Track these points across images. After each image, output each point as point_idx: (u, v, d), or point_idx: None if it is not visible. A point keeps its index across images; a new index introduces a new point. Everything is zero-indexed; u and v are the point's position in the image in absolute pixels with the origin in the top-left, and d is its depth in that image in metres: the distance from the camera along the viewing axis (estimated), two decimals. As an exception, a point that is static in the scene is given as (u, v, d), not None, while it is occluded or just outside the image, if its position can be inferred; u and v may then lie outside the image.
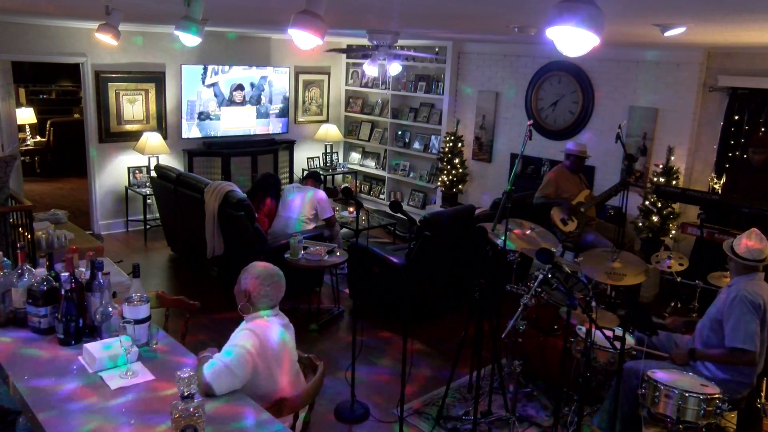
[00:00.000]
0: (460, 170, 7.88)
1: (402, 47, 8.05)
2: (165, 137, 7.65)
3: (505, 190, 3.78)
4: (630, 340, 3.66)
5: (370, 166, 9.36)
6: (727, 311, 3.27)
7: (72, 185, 10.14)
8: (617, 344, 2.98)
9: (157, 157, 7.46)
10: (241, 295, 2.66)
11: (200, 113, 7.88)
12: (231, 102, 8.11)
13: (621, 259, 3.82)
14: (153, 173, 6.88)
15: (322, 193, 6.03)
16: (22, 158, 9.41)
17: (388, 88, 8.74)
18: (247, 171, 8.09)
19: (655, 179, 5.97)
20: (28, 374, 2.45)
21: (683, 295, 5.26)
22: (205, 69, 7.80)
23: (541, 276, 3.59)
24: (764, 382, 3.68)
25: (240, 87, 8.14)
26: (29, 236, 5.20)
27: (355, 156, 9.62)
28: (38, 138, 11.13)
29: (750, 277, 3.33)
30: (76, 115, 11.62)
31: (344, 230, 6.83)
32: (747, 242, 3.36)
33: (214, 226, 5.66)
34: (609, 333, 3.06)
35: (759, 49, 5.41)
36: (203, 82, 7.80)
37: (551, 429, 3.81)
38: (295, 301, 5.28)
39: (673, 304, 5.49)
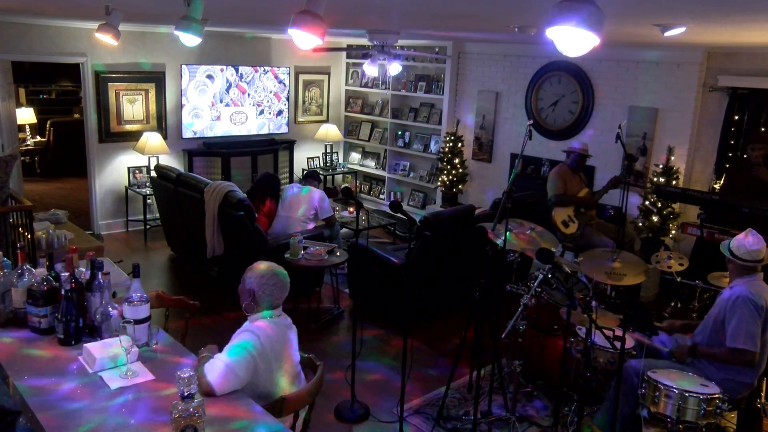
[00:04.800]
0: (460, 170, 7.88)
1: (402, 47, 8.05)
2: (165, 137, 7.65)
3: (505, 190, 3.78)
4: (630, 341, 3.66)
5: (370, 166, 9.36)
6: (729, 312, 3.27)
7: (72, 185, 10.14)
8: (617, 344, 2.98)
9: (157, 157, 7.46)
10: (245, 294, 2.66)
11: (198, 114, 7.89)
12: (230, 103, 8.12)
13: (621, 259, 3.82)
14: (153, 173, 6.88)
15: (321, 193, 6.03)
16: (22, 158, 9.41)
17: (388, 88, 8.74)
18: (247, 171, 8.09)
19: (655, 179, 5.97)
20: (28, 374, 2.45)
21: (683, 295, 5.26)
22: (188, 85, 7.81)
23: (541, 276, 3.59)
24: (764, 382, 3.68)
25: (238, 88, 8.14)
26: (29, 236, 5.20)
27: (355, 156, 9.62)
28: (38, 138, 11.13)
29: (750, 279, 3.34)
30: (76, 115, 11.62)
31: (344, 230, 6.83)
32: (745, 243, 3.35)
33: (214, 226, 5.66)
34: (609, 333, 3.06)
35: (759, 49, 5.41)
36: (195, 90, 7.81)
37: (551, 429, 3.81)
38: (295, 301, 5.29)
39: (673, 304, 5.49)
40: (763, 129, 5.56)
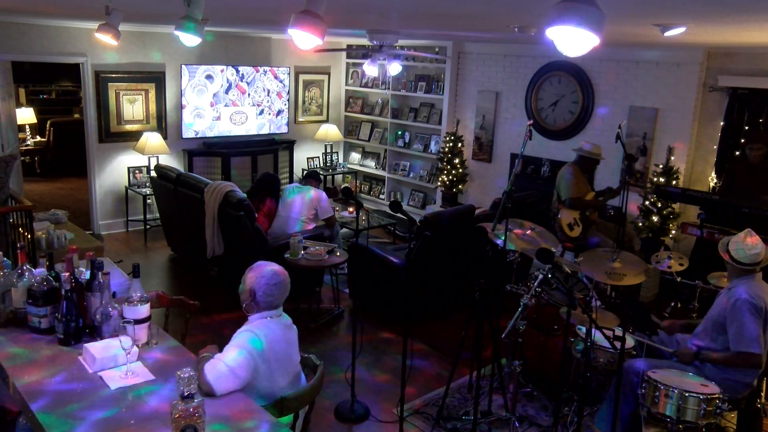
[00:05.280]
0: (460, 170, 7.88)
1: (402, 47, 8.05)
2: (165, 137, 7.65)
3: (505, 190, 3.78)
4: (630, 341, 3.66)
5: (370, 166, 9.36)
6: (730, 315, 3.26)
7: (72, 185, 10.14)
8: (617, 344, 2.98)
9: (157, 157, 7.46)
10: (245, 294, 2.66)
11: (200, 114, 7.89)
12: (230, 103, 8.12)
13: (621, 259, 3.82)
14: (153, 173, 6.88)
15: (322, 193, 6.03)
16: (22, 158, 9.41)
17: (388, 88, 8.74)
18: (247, 171, 8.09)
19: (655, 179, 5.97)
20: (28, 374, 2.45)
21: (683, 295, 5.26)
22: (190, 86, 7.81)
23: (541, 276, 3.59)
24: (764, 382, 3.68)
25: (237, 88, 8.15)
26: (29, 236, 5.20)
27: (355, 156, 9.62)
28: (38, 138, 11.13)
29: (749, 279, 3.33)
30: (76, 115, 11.62)
31: (344, 230, 6.83)
32: (743, 246, 3.33)
33: (214, 226, 5.66)
34: (609, 333, 3.06)
35: (759, 49, 5.41)
36: (193, 90, 7.82)
37: (551, 429, 3.81)
38: (296, 301, 5.29)
39: (673, 304, 5.48)
40: (762, 129, 5.56)
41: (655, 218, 5.99)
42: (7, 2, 4.49)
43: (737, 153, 5.71)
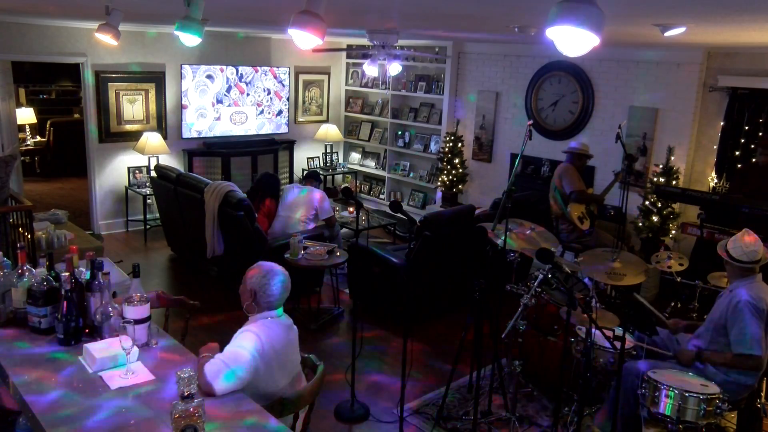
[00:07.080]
0: (460, 170, 7.88)
1: (402, 47, 8.05)
2: (165, 137, 7.65)
3: (505, 190, 3.78)
4: (630, 340, 3.66)
5: (370, 166, 9.36)
6: (731, 317, 3.25)
7: (72, 185, 10.14)
8: (617, 344, 2.98)
9: (157, 157, 7.46)
10: (246, 295, 2.66)
11: (203, 114, 7.89)
12: (231, 103, 8.12)
13: (621, 259, 3.82)
14: (153, 173, 6.88)
15: (321, 193, 6.03)
16: (22, 158, 9.41)
17: (388, 88, 8.74)
18: (247, 171, 8.09)
19: (655, 179, 5.97)
20: (28, 374, 2.45)
21: (683, 295, 5.26)
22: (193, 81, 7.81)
23: (541, 276, 3.59)
24: (764, 382, 3.68)
25: (237, 87, 8.15)
26: (29, 236, 5.20)
27: (355, 156, 9.62)
28: (38, 138, 11.13)
29: (749, 280, 3.32)
30: (76, 115, 11.62)
31: (344, 230, 6.83)
32: (741, 244, 3.33)
33: (214, 226, 5.66)
34: (609, 333, 3.06)
35: (759, 49, 5.41)
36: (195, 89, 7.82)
37: (551, 429, 3.81)
38: (296, 301, 5.29)
39: (673, 304, 5.48)
40: (763, 129, 5.55)
41: (655, 218, 5.99)
42: (7, 2, 4.49)
43: (738, 153, 5.71)
